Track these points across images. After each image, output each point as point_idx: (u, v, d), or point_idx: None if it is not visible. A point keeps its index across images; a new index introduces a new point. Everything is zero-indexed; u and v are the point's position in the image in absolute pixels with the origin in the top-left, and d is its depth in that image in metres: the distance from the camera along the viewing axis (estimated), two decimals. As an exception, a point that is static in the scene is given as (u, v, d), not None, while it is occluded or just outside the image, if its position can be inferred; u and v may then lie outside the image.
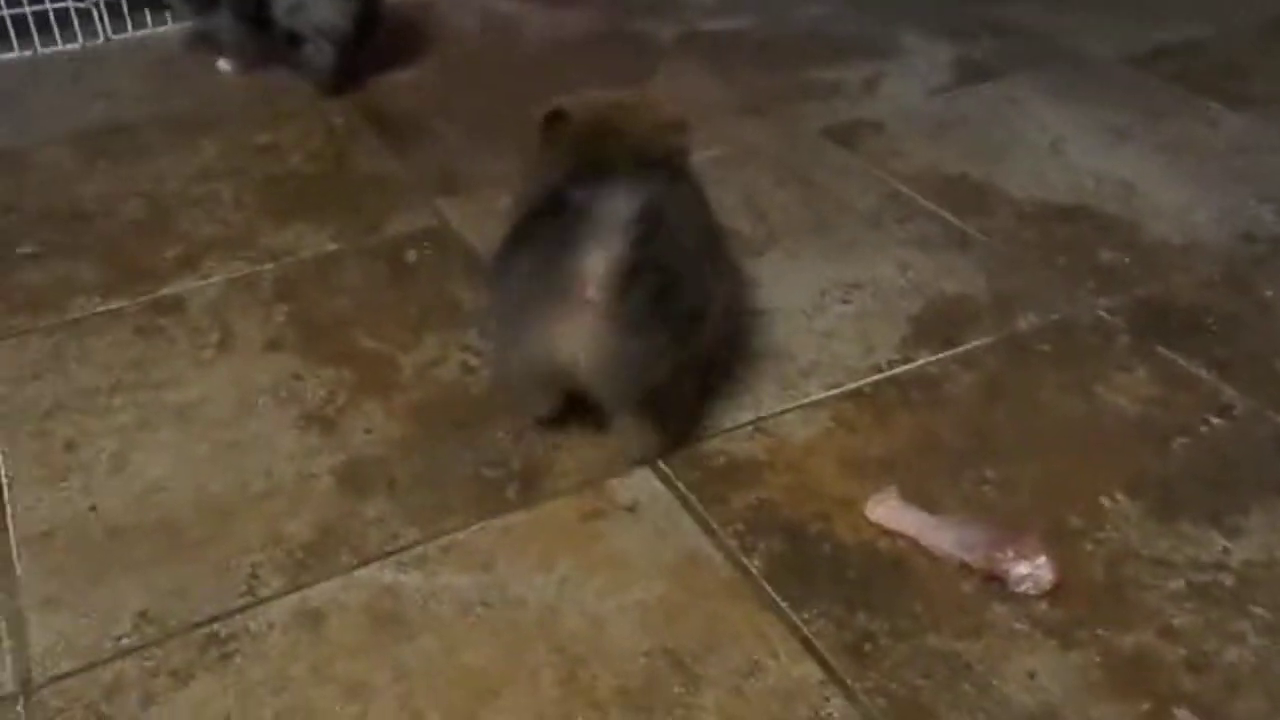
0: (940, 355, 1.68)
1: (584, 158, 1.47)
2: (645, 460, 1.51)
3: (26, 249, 1.99)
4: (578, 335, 1.36)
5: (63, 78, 2.61)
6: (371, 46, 2.54)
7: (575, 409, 1.53)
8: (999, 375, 1.65)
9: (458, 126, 2.37)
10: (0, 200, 2.12)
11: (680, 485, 1.48)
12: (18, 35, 2.69)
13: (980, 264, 1.89)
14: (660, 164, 1.48)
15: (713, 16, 2.83)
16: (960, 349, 1.69)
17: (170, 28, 2.77)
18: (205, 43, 2.65)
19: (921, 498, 1.43)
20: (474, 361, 1.71)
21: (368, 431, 1.59)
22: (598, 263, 1.32)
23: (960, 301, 1.80)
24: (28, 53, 2.71)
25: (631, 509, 1.45)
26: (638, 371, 1.39)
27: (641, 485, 1.49)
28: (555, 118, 1.53)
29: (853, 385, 1.63)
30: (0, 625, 1.31)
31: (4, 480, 1.51)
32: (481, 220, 2.03)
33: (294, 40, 2.47)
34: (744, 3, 2.89)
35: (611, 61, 2.62)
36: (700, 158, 2.18)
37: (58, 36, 2.73)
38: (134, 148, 2.30)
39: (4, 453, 1.55)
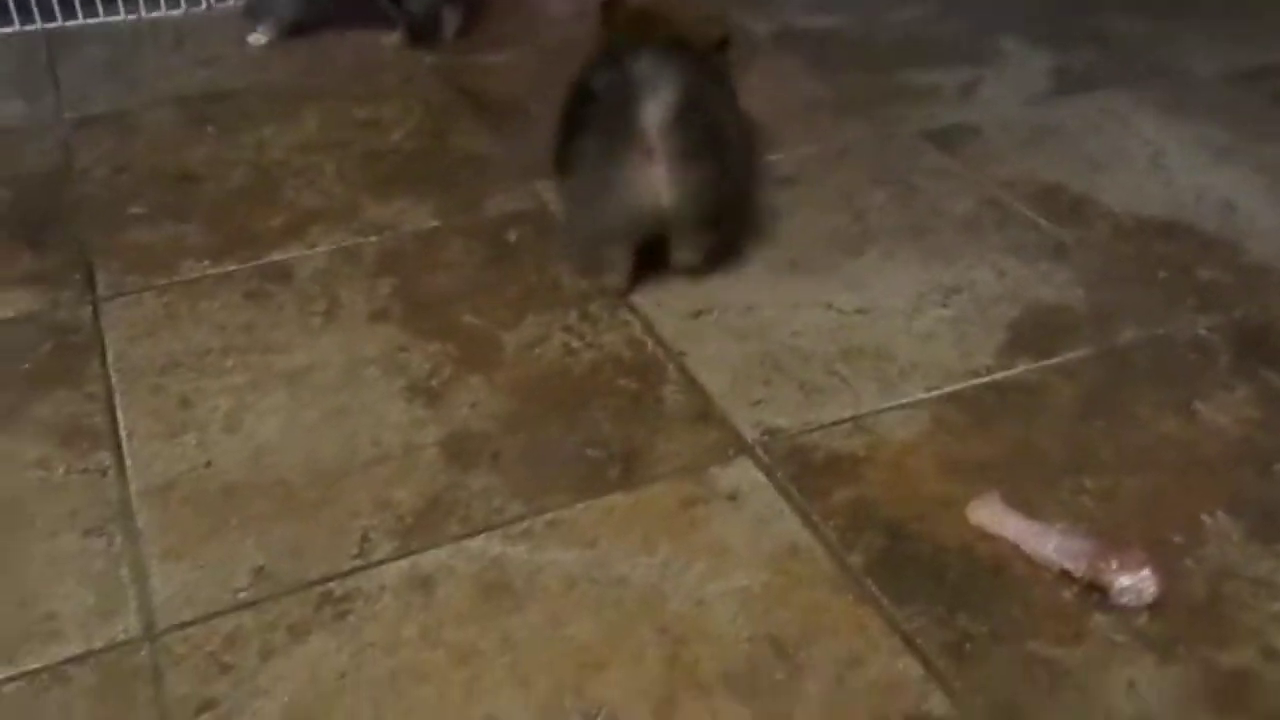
0: (1039, 364, 1.69)
1: (634, 39, 1.79)
2: (698, 265, 1.83)
3: (137, 209, 2.04)
4: (653, 176, 1.69)
5: (166, 43, 2.66)
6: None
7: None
8: (1098, 388, 1.65)
9: (553, 111, 2.39)
10: (111, 160, 2.18)
11: (781, 476, 1.50)
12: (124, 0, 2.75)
13: (1078, 275, 1.89)
14: (697, 45, 1.86)
15: (808, 13, 2.83)
16: (1059, 359, 1.70)
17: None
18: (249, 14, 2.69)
19: (1020, 504, 1.44)
20: (575, 344, 1.74)
21: (472, 406, 1.62)
22: (656, 112, 1.66)
23: (1058, 311, 1.80)
24: (132, 17, 2.77)
25: (732, 497, 1.47)
26: (702, 193, 1.74)
27: (742, 475, 1.51)
28: (611, 4, 1.91)
29: (952, 388, 1.64)
30: (124, 572, 1.36)
31: (123, 433, 1.56)
32: (580, 204, 2.05)
33: None
34: (839, 1, 2.89)
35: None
36: (797, 154, 2.22)
37: (162, 2, 2.78)
38: (238, 115, 2.35)
39: (122, 407, 1.60)
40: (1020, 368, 1.68)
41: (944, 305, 1.81)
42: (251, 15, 2.67)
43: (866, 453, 1.54)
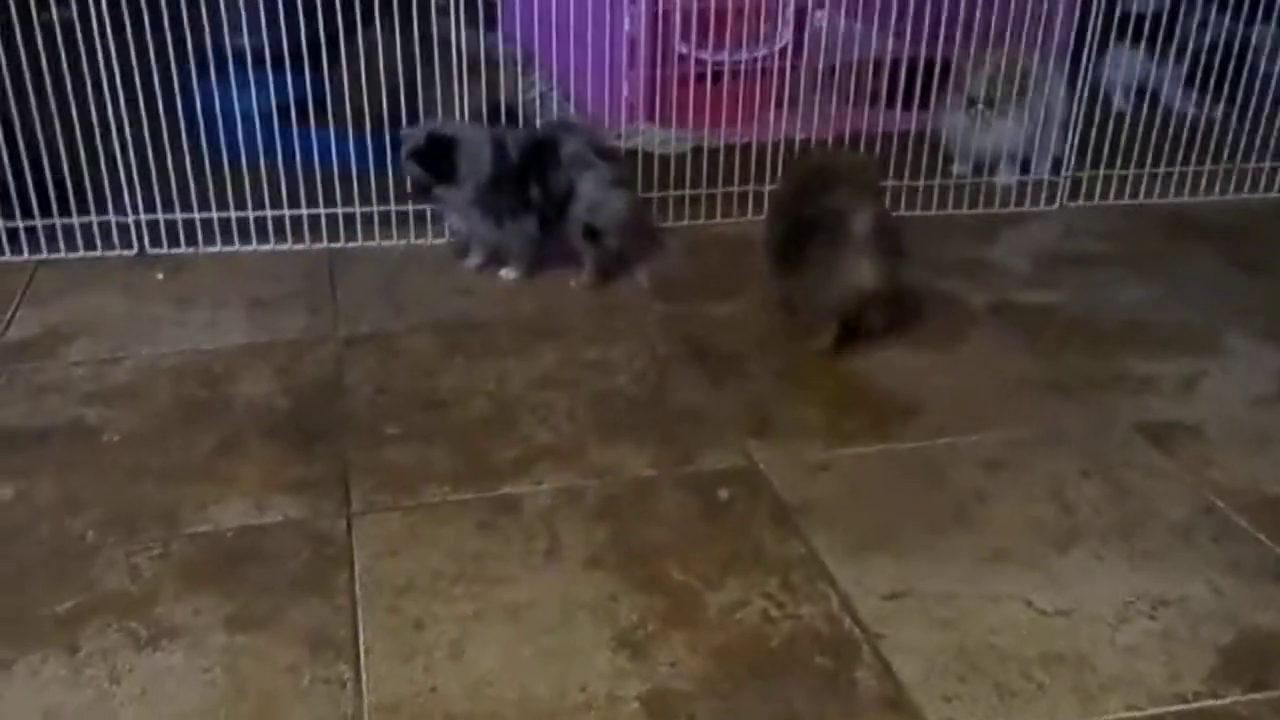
0: (1252, 696, 1.65)
1: (818, 180, 2.62)
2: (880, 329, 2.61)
3: (393, 429, 2.28)
4: (864, 266, 2.46)
5: (430, 269, 2.97)
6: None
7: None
8: (1313, 729, 1.60)
9: (771, 367, 2.54)
10: (375, 381, 2.45)
11: (969, 783, 1.51)
12: (398, 225, 3.10)
13: (1299, 600, 1.85)
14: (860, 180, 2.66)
15: (1027, 288, 2.92)
16: (1275, 693, 1.66)
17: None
18: (489, 255, 2.95)
19: None
20: (774, 612, 1.82)
21: (672, 665, 1.71)
22: (864, 224, 2.45)
23: (1277, 639, 1.76)
24: (402, 242, 3.11)
25: (919, 796, 1.49)
26: (893, 276, 2.51)
27: (930, 773, 1.53)
28: (794, 162, 2.91)
29: (1155, 711, 1.63)
30: (349, 789, 1.49)
31: (362, 648, 1.72)
32: (789, 469, 2.17)
33: (593, 235, 2.84)
34: (1062, 278, 2.97)
35: (919, 320, 2.74)
36: (1005, 435, 2.27)
37: (429, 230, 3.12)
38: (485, 346, 2.60)
39: (363, 622, 1.78)
40: (1230, 698, 1.65)
41: (1152, 617, 1.80)
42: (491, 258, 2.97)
43: (1058, 769, 1.54)
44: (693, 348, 2.61)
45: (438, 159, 2.79)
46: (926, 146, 3.29)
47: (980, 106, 3.33)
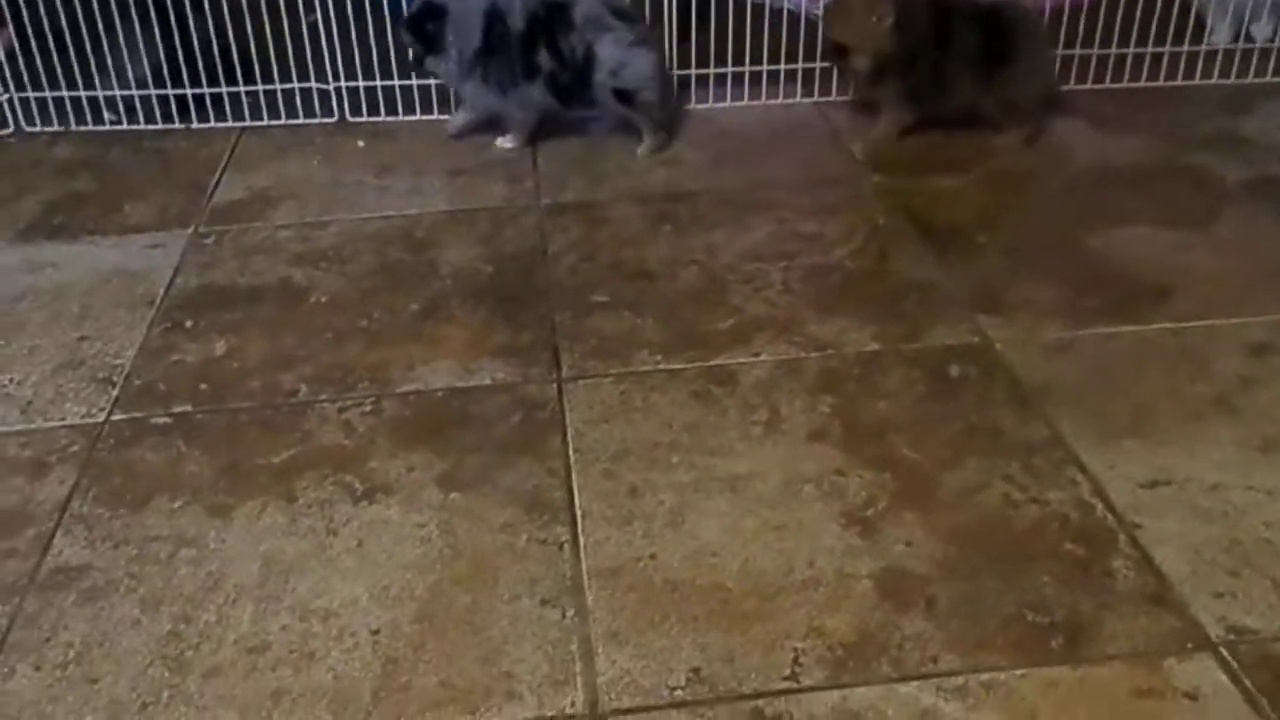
0: None
1: None
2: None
3: (600, 297, 2.20)
4: None
5: (632, 141, 2.86)
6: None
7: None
8: None
9: (1001, 243, 2.35)
10: (580, 250, 2.37)
11: (1250, 684, 1.36)
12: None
13: None
14: None
15: (1288, 161, 2.63)
16: None
17: (728, 104, 2.98)
18: (478, 123, 2.84)
19: None
20: (1017, 495, 1.68)
21: (908, 544, 1.59)
22: None
23: None
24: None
25: (1192, 697, 1.35)
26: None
27: (1203, 673, 1.38)
28: None
29: None
30: (574, 647, 1.44)
31: (578, 511, 1.67)
32: (1026, 348, 2.00)
33: (625, 98, 2.73)
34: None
35: (1166, 197, 2.49)
36: (1271, 319, 2.04)
37: (630, 102, 3.01)
38: (692, 217, 2.49)
39: (578, 486, 1.72)
40: None
41: None
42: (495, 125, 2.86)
43: (1353, 677, 1.36)
44: (915, 221, 2.43)
45: (430, 27, 2.70)
46: (1175, 11, 2.97)
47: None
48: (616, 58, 2.70)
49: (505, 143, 2.84)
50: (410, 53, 2.80)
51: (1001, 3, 2.75)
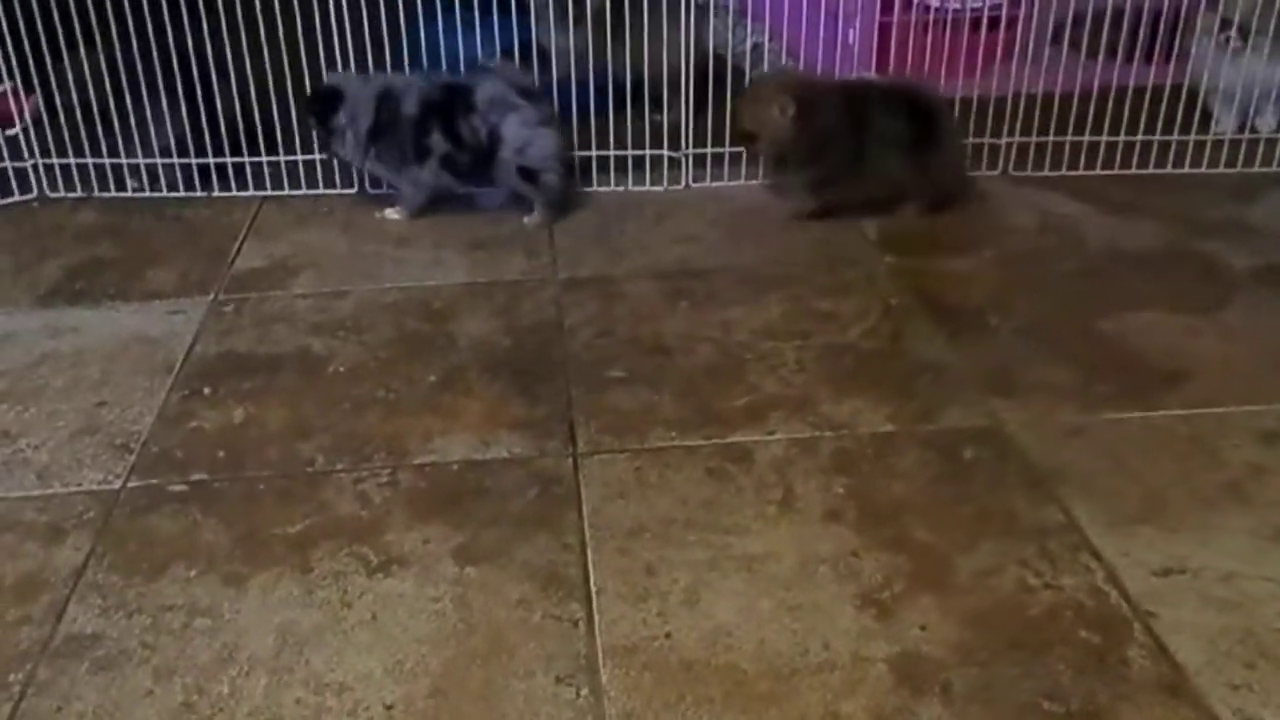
0: None
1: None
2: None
3: (616, 372, 2.22)
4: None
5: (648, 218, 2.90)
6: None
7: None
8: None
9: (1013, 325, 2.37)
10: (596, 325, 2.39)
11: (1269, 781, 1.35)
12: (615, 172, 3.05)
13: None
14: None
15: (1295, 251, 2.66)
16: None
17: (741, 183, 3.02)
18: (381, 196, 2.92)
19: None
20: (1032, 580, 1.68)
21: (923, 628, 1.59)
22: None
23: None
24: (620, 188, 3.05)
25: (1210, 792, 1.34)
26: None
27: (1222, 768, 1.37)
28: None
29: None
30: (587, 728, 1.44)
31: (593, 588, 1.67)
32: (1039, 431, 2.01)
33: (528, 175, 2.80)
34: (1336, 239, 2.69)
35: (1176, 282, 2.52)
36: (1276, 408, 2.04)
37: (647, 178, 3.06)
38: (708, 293, 2.51)
39: (593, 562, 1.72)
40: None
41: None
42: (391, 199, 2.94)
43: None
44: (928, 302, 2.46)
45: (326, 110, 2.81)
46: (1182, 101, 3.02)
47: (1233, 33, 2.99)
48: (523, 137, 2.79)
49: (393, 214, 2.91)
50: (314, 135, 2.92)
51: (917, 85, 2.88)
